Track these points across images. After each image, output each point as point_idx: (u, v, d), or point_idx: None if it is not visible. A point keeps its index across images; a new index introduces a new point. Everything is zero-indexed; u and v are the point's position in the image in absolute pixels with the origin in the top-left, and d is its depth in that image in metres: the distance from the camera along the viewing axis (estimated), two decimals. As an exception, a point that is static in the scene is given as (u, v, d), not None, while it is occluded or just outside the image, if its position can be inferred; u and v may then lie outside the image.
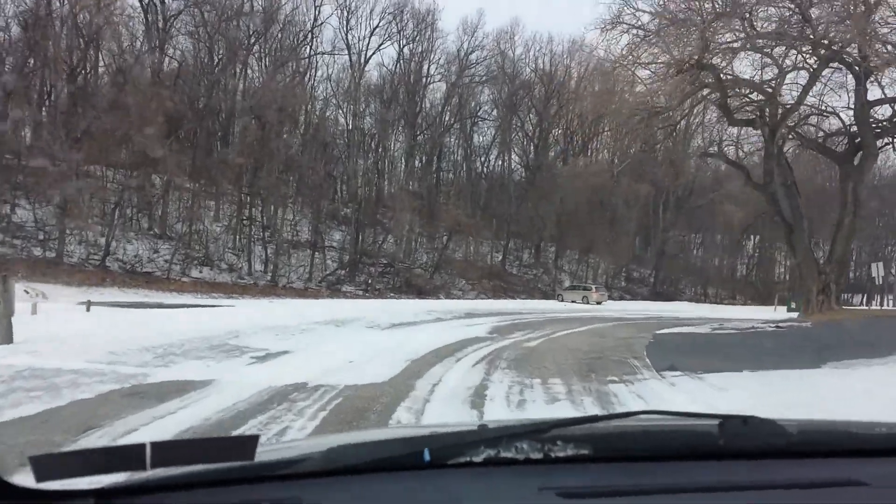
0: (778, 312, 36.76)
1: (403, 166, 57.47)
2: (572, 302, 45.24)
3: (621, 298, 55.80)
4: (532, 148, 62.09)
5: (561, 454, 1.30)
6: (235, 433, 5.87)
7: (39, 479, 0.99)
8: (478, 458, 1.26)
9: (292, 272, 43.81)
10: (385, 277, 47.28)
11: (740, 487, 1.26)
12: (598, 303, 45.56)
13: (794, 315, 27.84)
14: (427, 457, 1.25)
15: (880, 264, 32.37)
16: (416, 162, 58.29)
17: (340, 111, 53.58)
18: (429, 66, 57.56)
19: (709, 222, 63.51)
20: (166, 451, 1.04)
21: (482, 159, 62.62)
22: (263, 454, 1.18)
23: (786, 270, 73.34)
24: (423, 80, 57.27)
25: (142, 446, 1.02)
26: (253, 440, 1.10)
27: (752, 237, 68.92)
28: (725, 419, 1.38)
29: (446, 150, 60.75)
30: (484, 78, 59.06)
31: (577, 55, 59.82)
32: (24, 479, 1.03)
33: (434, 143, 57.26)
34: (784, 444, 1.39)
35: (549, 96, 60.50)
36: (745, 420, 1.38)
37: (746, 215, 61.12)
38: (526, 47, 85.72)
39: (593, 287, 48.38)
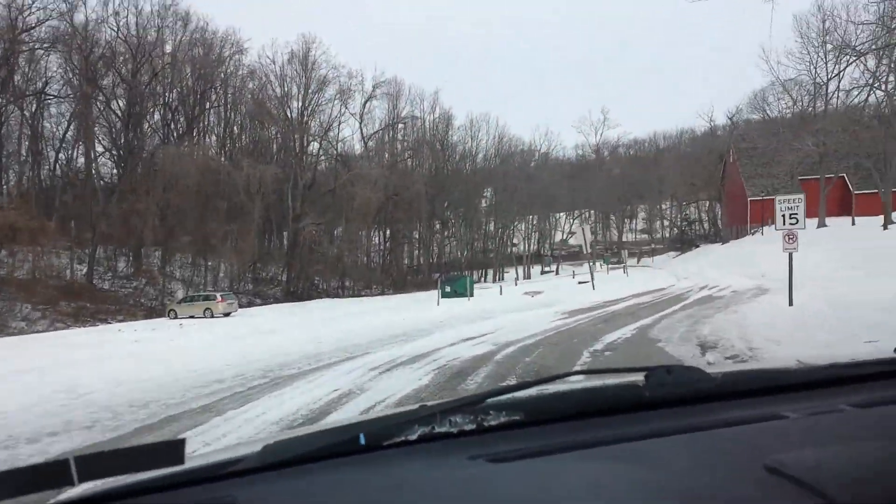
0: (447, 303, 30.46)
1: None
2: (190, 318, 34.40)
3: (250, 304, 46.26)
4: (123, 131, 48.83)
5: (493, 422, 1.29)
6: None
7: None
8: (412, 436, 1.25)
9: None
10: None
11: (666, 433, 1.25)
12: (227, 314, 35.47)
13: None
14: (362, 440, 1.23)
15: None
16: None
17: None
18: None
19: (342, 208, 56.81)
20: (91, 464, 0.99)
21: (55, 147, 47.90)
22: (195, 459, 1.18)
23: (418, 256, 71.59)
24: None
25: (65, 461, 0.97)
26: (180, 444, 1.06)
27: (384, 222, 64.66)
28: (650, 370, 1.37)
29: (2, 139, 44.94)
30: (46, 45, 44.62)
31: (171, 12, 48.64)
32: None
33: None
34: (707, 389, 1.39)
35: (138, 66, 48.03)
36: (669, 369, 1.37)
37: (381, 198, 57.77)
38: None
39: (218, 296, 37.71)
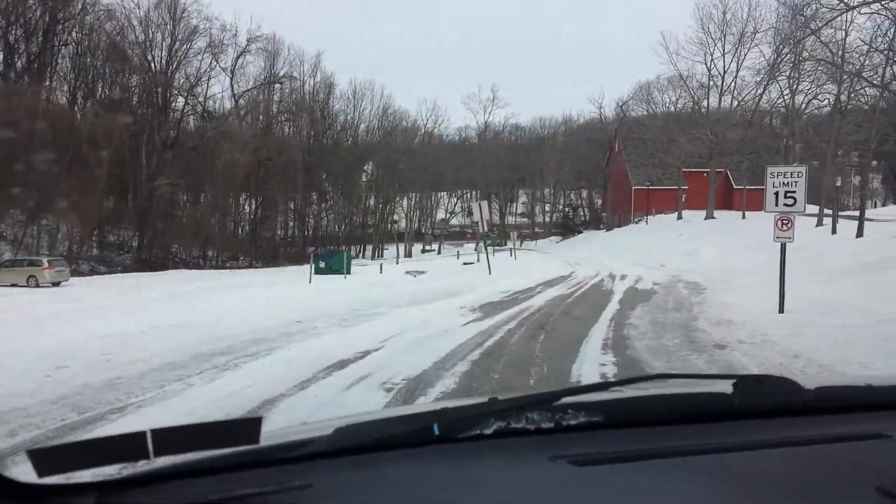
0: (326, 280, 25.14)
1: None
2: (12, 286, 27.72)
3: (93, 272, 39.32)
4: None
5: (573, 422, 1.23)
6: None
7: (41, 473, 0.92)
8: (488, 431, 1.20)
9: None
10: None
11: (758, 446, 1.18)
12: (55, 283, 29.07)
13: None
14: (436, 431, 1.18)
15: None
16: None
17: None
18: None
19: (207, 169, 50.58)
20: (168, 439, 0.98)
21: None
22: (268, 438, 1.13)
23: (293, 228, 65.52)
24: None
25: (142, 434, 0.96)
26: (256, 423, 1.04)
27: (256, 190, 58.45)
28: (740, 379, 1.31)
29: None
30: None
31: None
32: (24, 473, 0.94)
33: None
34: (801, 401, 1.31)
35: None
36: (761, 379, 1.32)
37: (251, 162, 51.92)
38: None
39: (45, 261, 30.97)
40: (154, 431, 0.95)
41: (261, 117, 61.25)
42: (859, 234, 23.58)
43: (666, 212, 52.71)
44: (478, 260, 34.37)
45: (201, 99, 56.92)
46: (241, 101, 59.31)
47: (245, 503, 1.02)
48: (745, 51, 45.25)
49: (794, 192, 10.49)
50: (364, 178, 72.00)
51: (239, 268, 49.58)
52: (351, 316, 12.14)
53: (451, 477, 1.10)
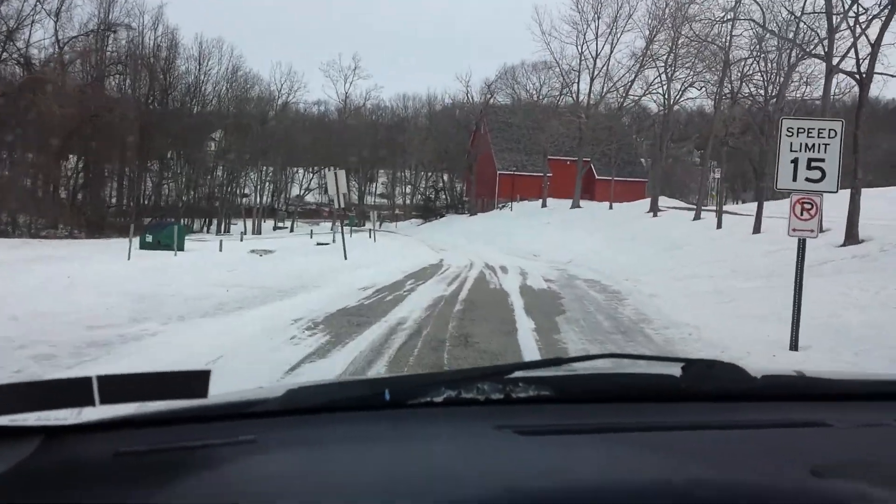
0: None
1: None
2: None
3: None
4: None
5: (522, 395, 1.23)
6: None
7: None
8: (438, 399, 1.20)
9: None
10: None
11: (699, 427, 1.20)
12: None
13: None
14: (387, 396, 1.19)
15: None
16: None
17: None
18: None
19: (21, 123, 42.02)
20: (115, 387, 0.97)
21: None
22: (218, 395, 1.14)
23: (127, 197, 57.16)
24: None
25: (88, 380, 0.94)
26: (204, 375, 1.02)
27: (82, 151, 50.35)
28: (690, 362, 1.30)
29: None
30: None
31: None
32: None
33: None
34: (747, 388, 1.31)
35: None
36: (710, 364, 1.30)
37: (71, 117, 43.96)
38: None
39: None
40: (100, 378, 0.94)
41: (91, 70, 52.53)
42: (756, 230, 20.99)
43: (530, 199, 50.05)
44: (333, 241, 29.57)
45: (20, 45, 47.91)
46: (66, 47, 50.38)
47: (189, 454, 1.01)
48: (619, 34, 43.05)
49: (823, 159, 6.60)
50: (212, 148, 64.27)
51: (57, 237, 42.55)
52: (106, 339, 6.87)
53: (398, 439, 1.10)
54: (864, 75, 15.92)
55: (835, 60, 17.24)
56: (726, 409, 1.28)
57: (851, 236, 15.23)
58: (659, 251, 22.36)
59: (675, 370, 1.28)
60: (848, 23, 16.81)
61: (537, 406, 1.23)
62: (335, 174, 20.58)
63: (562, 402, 1.26)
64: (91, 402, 0.93)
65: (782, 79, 23.79)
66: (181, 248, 31.73)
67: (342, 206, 22.32)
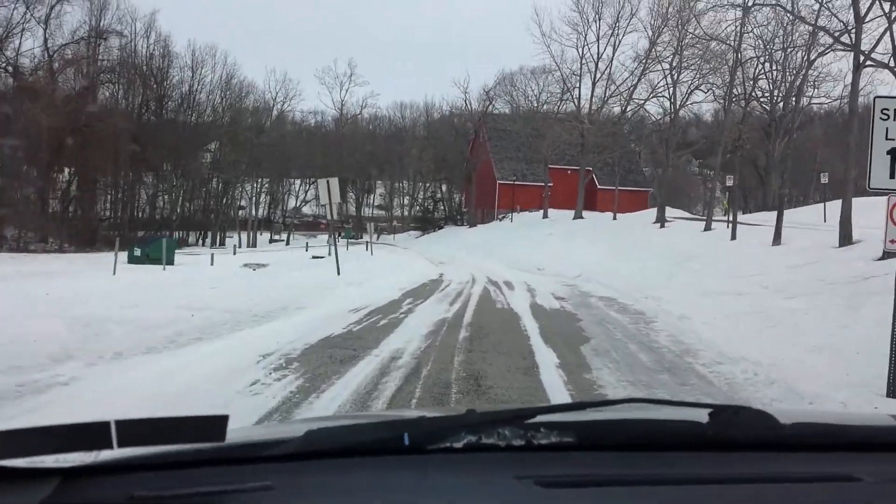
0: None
1: None
2: None
3: None
4: None
5: (543, 441, 1.19)
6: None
7: (2, 455, 0.94)
8: (458, 444, 1.17)
9: None
10: None
11: (729, 480, 1.17)
12: None
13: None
14: (406, 441, 1.16)
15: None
16: None
17: None
18: None
19: (9, 133, 40.93)
20: (132, 430, 0.98)
21: None
22: (235, 436, 1.12)
23: (120, 210, 55.60)
24: None
25: (106, 424, 0.96)
26: (222, 420, 1.02)
27: (73, 162, 49.00)
28: (717, 408, 1.28)
29: None
30: None
31: None
32: None
33: None
34: (776, 436, 1.28)
35: None
36: (737, 410, 1.29)
37: (61, 127, 42.69)
38: None
39: None
40: (118, 422, 0.95)
41: (82, 79, 51.15)
42: (776, 241, 19.49)
43: (531, 209, 48.56)
44: (329, 253, 28.19)
45: (10, 53, 46.62)
46: (56, 57, 49.06)
47: (203, 500, 1.01)
48: (622, 34, 41.72)
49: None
50: (207, 159, 62.73)
51: (47, 251, 41.01)
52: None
53: (414, 487, 1.09)
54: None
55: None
56: (754, 459, 1.24)
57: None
58: (671, 264, 20.86)
59: (703, 416, 1.24)
60: (882, 7, 15.22)
61: (559, 454, 1.19)
62: (328, 183, 19.08)
63: (585, 450, 1.22)
64: (109, 446, 0.94)
65: (792, 77, 22.49)
66: (170, 263, 30.22)
67: (335, 216, 20.80)
